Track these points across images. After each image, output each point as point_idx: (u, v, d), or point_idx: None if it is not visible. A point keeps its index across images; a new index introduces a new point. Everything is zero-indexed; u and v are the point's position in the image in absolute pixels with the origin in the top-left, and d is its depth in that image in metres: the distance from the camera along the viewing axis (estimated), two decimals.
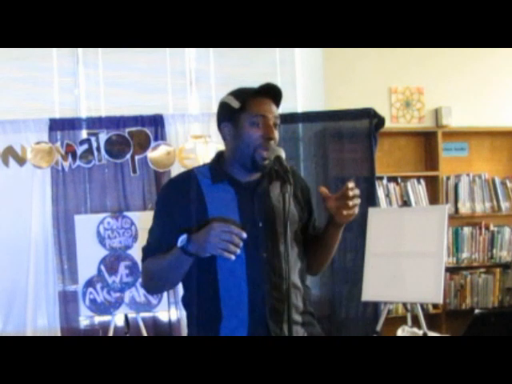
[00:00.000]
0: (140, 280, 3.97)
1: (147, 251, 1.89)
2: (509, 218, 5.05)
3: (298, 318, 1.84)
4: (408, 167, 4.98)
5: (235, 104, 1.81)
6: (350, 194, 1.74)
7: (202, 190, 1.82)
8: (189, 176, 1.89)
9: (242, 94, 1.84)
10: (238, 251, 1.62)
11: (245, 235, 1.61)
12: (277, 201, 1.84)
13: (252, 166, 1.81)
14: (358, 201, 1.76)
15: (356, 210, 1.77)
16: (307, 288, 1.93)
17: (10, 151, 4.17)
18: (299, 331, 1.84)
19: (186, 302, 1.92)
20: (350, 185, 1.74)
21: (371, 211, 4.14)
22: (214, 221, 1.66)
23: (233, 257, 1.61)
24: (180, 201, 1.82)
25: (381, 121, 4.46)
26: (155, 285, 1.93)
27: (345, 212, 1.76)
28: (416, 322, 3.97)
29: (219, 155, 1.92)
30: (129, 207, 4.29)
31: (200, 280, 1.82)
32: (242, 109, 1.81)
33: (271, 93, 1.83)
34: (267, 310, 1.79)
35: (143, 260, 1.90)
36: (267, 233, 1.81)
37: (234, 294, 1.80)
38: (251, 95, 1.82)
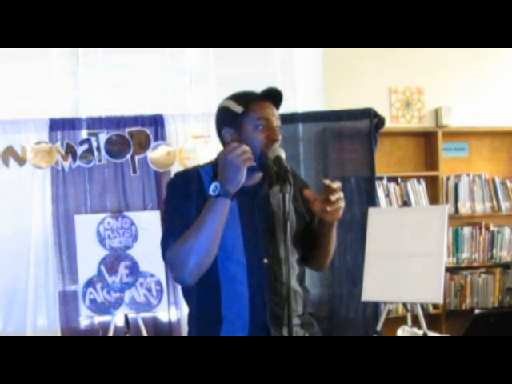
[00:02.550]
0: (140, 280, 3.99)
1: (170, 237, 1.76)
2: (509, 218, 5.05)
3: (297, 320, 1.84)
4: (408, 167, 4.98)
5: (238, 108, 1.80)
6: (332, 198, 1.72)
7: (205, 190, 1.81)
8: (194, 174, 1.87)
9: (243, 98, 1.82)
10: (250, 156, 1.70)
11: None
12: (277, 206, 1.84)
13: (259, 167, 1.80)
14: (341, 203, 1.74)
15: (340, 212, 1.76)
16: (306, 291, 1.94)
17: (9, 151, 4.17)
18: (298, 332, 1.84)
19: (188, 303, 1.92)
20: (334, 185, 1.72)
21: (371, 211, 4.14)
22: (220, 156, 1.73)
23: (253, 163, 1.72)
24: (188, 195, 1.80)
25: (381, 121, 4.46)
26: (196, 262, 1.71)
27: (329, 217, 1.76)
28: (416, 322, 3.97)
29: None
30: (129, 207, 4.29)
31: (202, 284, 1.81)
32: (245, 112, 1.79)
33: (272, 96, 1.83)
34: (268, 314, 1.79)
35: (166, 250, 1.76)
36: (268, 238, 1.82)
37: (235, 299, 1.79)
38: (253, 99, 1.81)
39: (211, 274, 1.79)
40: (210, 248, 1.72)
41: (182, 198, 1.81)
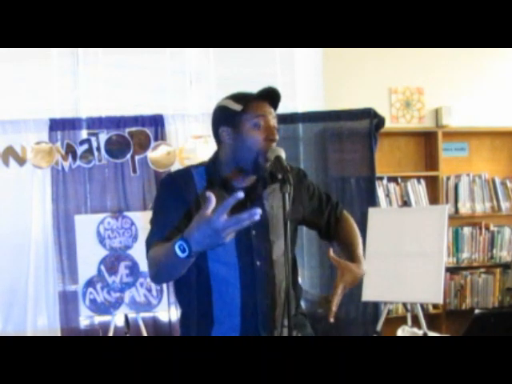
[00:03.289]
0: (140, 280, 3.99)
1: (150, 241, 1.79)
2: (509, 218, 5.05)
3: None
4: (408, 167, 4.98)
5: (236, 107, 1.78)
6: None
7: (197, 192, 1.80)
8: (186, 175, 1.86)
9: (242, 98, 1.82)
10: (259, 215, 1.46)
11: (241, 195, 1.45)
12: (270, 207, 1.84)
13: (254, 168, 1.79)
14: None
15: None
16: (299, 289, 1.94)
17: (10, 151, 4.17)
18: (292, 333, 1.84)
19: (180, 305, 1.92)
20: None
21: (371, 211, 4.14)
22: (204, 215, 1.46)
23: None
24: (178, 197, 1.79)
25: (381, 121, 4.46)
26: (162, 276, 1.77)
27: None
28: (416, 322, 3.97)
29: (215, 156, 1.90)
30: (129, 207, 4.29)
31: (193, 285, 1.81)
32: (243, 111, 1.78)
33: (270, 96, 1.82)
34: (259, 317, 1.79)
35: (147, 251, 1.80)
36: (260, 241, 1.82)
37: (226, 301, 1.80)
38: (252, 98, 1.81)
39: (202, 276, 1.79)
40: (173, 275, 1.73)
41: (170, 200, 1.80)
